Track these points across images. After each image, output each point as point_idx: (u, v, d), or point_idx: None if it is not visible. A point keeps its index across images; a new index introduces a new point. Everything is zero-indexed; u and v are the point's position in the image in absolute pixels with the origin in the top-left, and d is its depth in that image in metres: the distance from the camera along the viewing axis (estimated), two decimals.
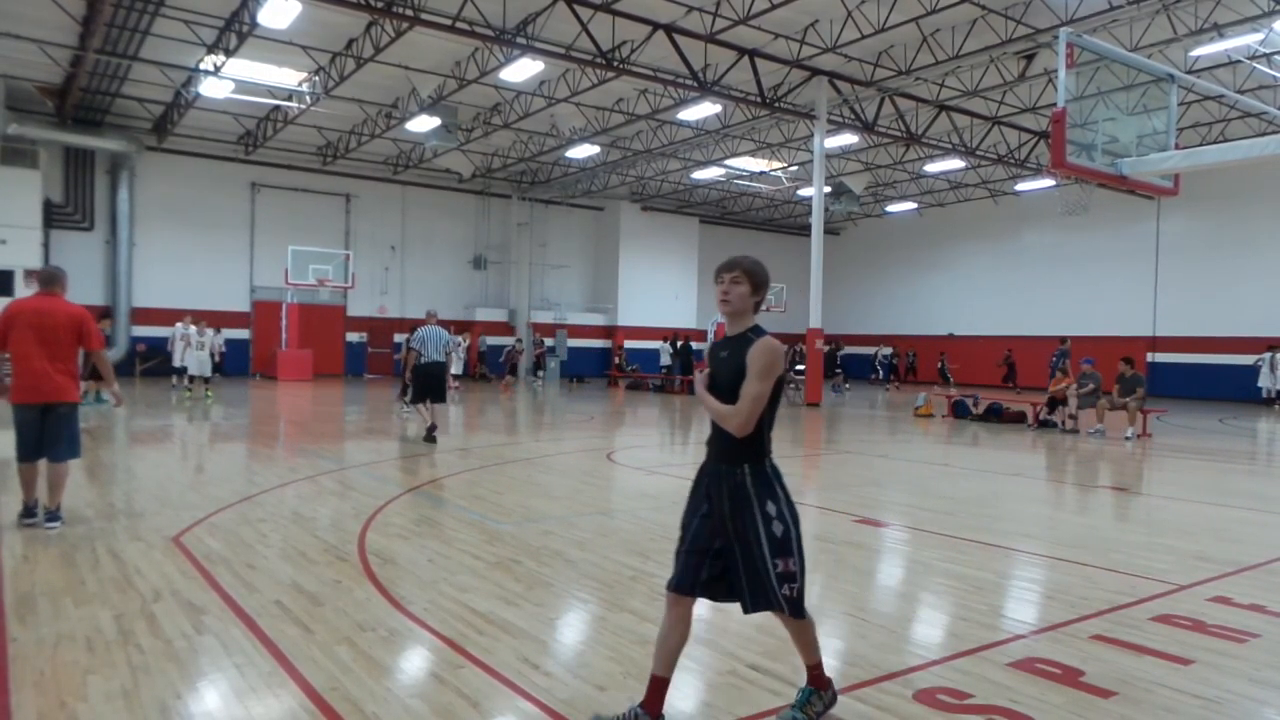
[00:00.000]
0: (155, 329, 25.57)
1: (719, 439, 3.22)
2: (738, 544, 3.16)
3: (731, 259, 3.28)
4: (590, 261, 36.33)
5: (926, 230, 36.35)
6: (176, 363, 20.20)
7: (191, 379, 19.01)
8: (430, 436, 12.01)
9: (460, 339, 26.21)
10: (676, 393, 25.94)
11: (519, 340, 31.16)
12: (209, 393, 18.43)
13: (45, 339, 6.15)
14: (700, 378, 3.29)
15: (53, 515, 6.32)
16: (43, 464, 6.37)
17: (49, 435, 6.29)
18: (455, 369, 27.27)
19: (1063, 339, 21.61)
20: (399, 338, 30.30)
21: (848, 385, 30.55)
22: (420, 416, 12.51)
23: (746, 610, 3.21)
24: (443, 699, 3.49)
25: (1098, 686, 3.73)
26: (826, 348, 29.17)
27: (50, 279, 6.45)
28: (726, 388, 3.14)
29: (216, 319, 22.06)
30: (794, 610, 3.18)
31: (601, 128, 24.38)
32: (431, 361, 12.25)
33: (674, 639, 3.27)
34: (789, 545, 3.16)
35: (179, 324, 20.14)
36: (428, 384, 12.31)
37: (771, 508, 3.16)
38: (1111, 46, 7.62)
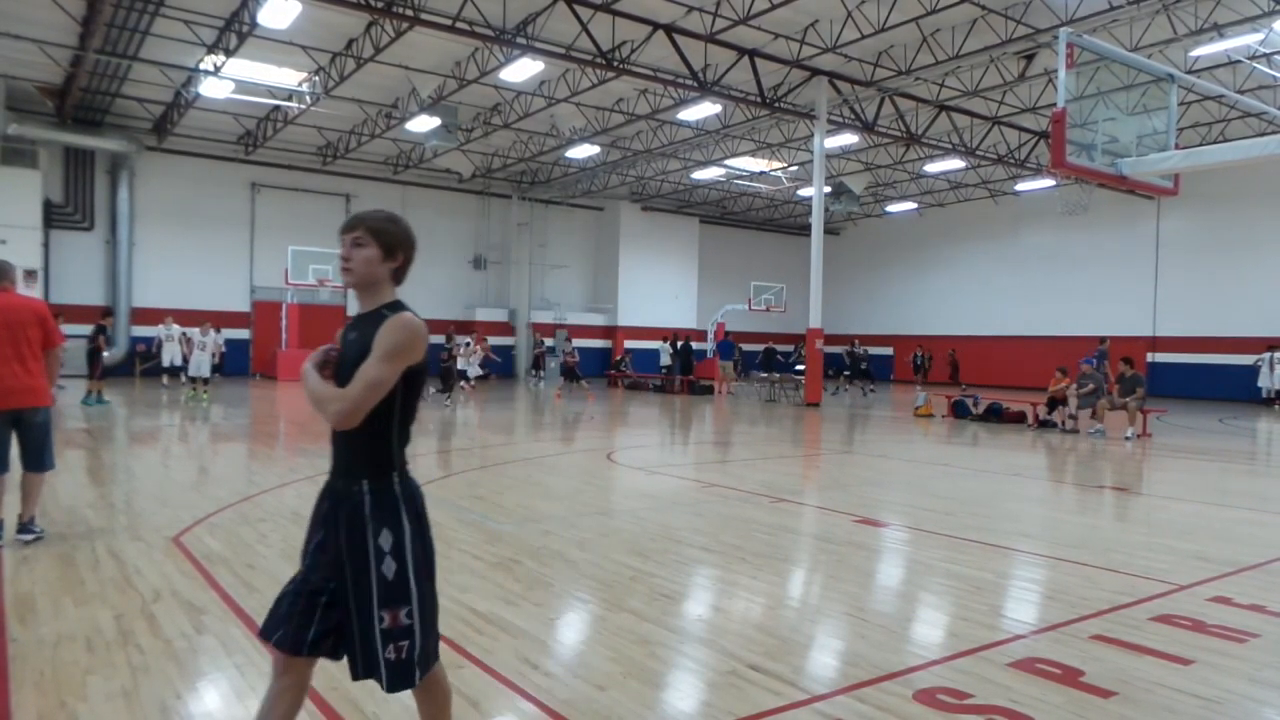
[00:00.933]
0: (155, 329, 25.57)
1: (338, 446, 2.52)
2: (351, 588, 2.44)
3: (355, 215, 2.61)
4: (590, 261, 36.33)
5: (926, 230, 36.35)
6: (165, 363, 20.47)
7: (192, 380, 19.05)
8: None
9: (468, 340, 25.87)
10: (676, 393, 25.95)
11: (568, 340, 29.59)
12: (205, 394, 18.54)
13: (15, 337, 5.55)
14: (314, 354, 2.57)
15: (26, 527, 5.80)
16: (13, 475, 5.82)
17: (30, 446, 5.77)
18: (473, 371, 26.72)
19: (1102, 339, 21.27)
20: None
21: (873, 387, 29.98)
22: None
23: (355, 676, 2.48)
24: None
25: (1098, 686, 3.72)
26: (850, 349, 29.12)
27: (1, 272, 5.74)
28: (349, 376, 2.43)
29: (216, 319, 22.09)
30: (396, 679, 2.42)
31: (601, 128, 24.38)
32: None
33: (279, 711, 2.49)
34: (403, 592, 2.43)
35: (161, 325, 20.62)
36: None
37: (386, 539, 2.44)
38: (1111, 46, 7.63)
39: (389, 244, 2.62)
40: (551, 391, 25.94)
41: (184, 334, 20.15)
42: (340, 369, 2.50)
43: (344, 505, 2.48)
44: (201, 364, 18.75)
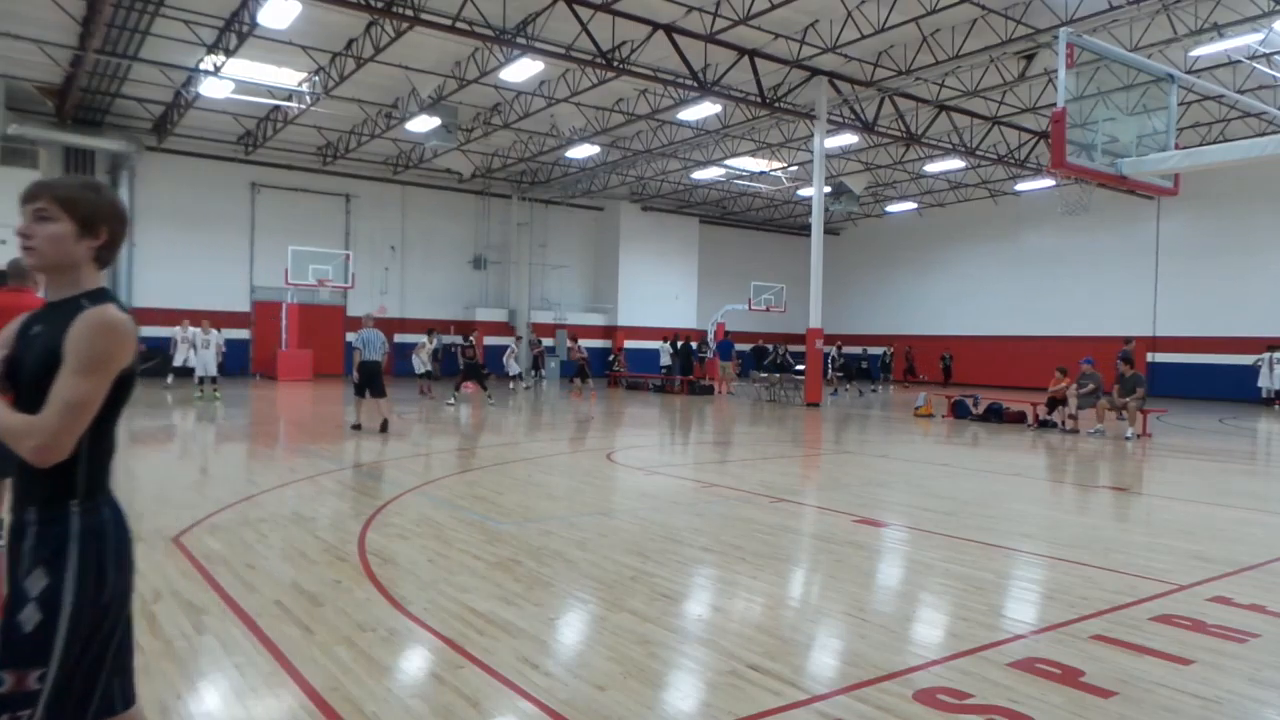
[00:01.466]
0: (155, 329, 25.53)
1: (17, 468, 2.02)
2: None
3: (37, 182, 2.08)
4: (590, 261, 36.33)
5: (926, 230, 36.35)
6: (178, 363, 20.57)
7: (200, 380, 19.16)
8: (383, 428, 13.26)
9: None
10: (676, 393, 25.95)
11: (574, 340, 28.36)
12: (216, 393, 18.72)
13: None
14: None
15: None
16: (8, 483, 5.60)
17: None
18: (514, 369, 26.44)
19: (1127, 339, 20.81)
20: (405, 339, 30.33)
21: (874, 387, 30.46)
22: (358, 409, 13.92)
23: None
24: (443, 699, 3.49)
25: (1098, 686, 3.72)
26: (838, 349, 29.34)
27: (22, 271, 5.45)
28: (32, 383, 1.97)
29: (216, 319, 22.08)
30: None
31: (601, 128, 24.38)
32: (370, 360, 13.68)
33: None
34: (42, 651, 1.91)
35: (178, 327, 20.74)
36: (366, 380, 13.74)
37: (38, 582, 1.94)
38: (1111, 46, 7.63)
39: (86, 216, 2.05)
40: (552, 392, 25.91)
41: (184, 336, 20.33)
42: (17, 372, 2.01)
43: (15, 542, 2.01)
44: (209, 363, 18.91)
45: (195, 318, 21.14)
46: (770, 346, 33.60)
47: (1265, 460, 13.76)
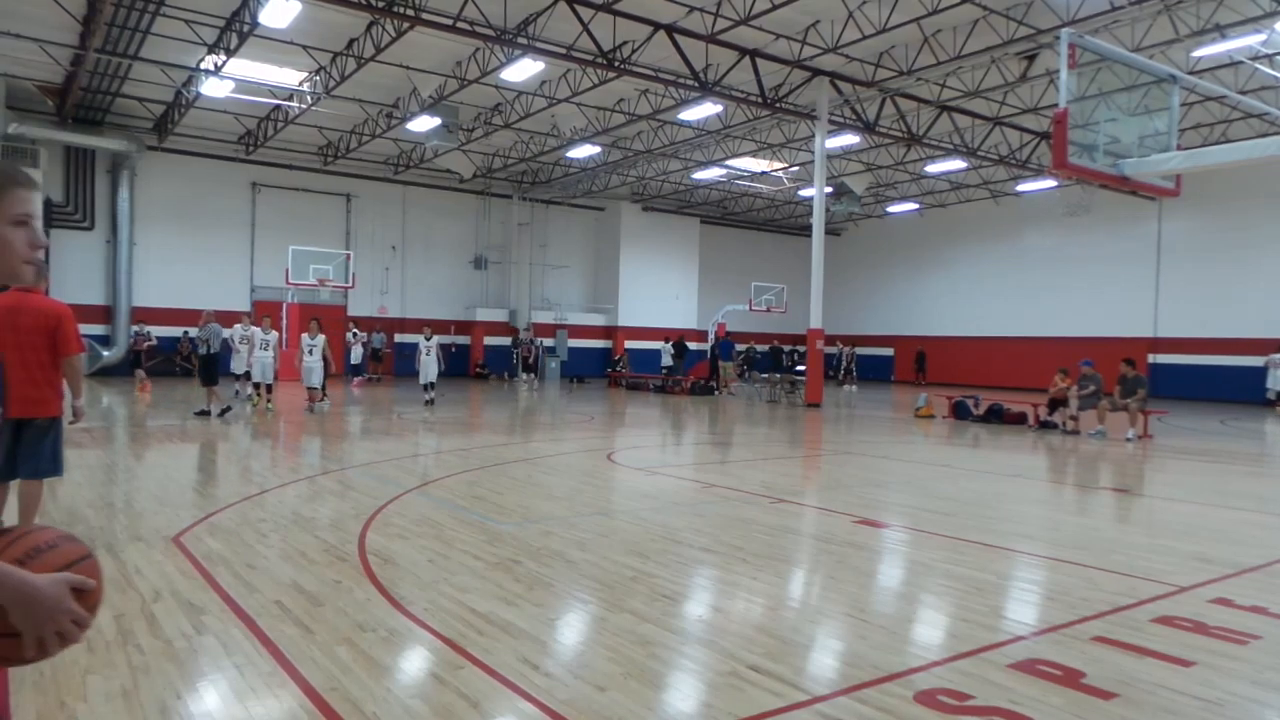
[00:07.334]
0: (155, 329, 25.51)
1: None
2: None
3: None
4: (590, 261, 36.33)
5: (928, 231, 36.33)
6: (239, 368, 17.77)
7: (256, 386, 16.58)
8: (225, 411, 14.89)
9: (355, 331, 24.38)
10: (676, 393, 25.94)
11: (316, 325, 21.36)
12: (270, 403, 16.32)
13: (20, 342, 5.36)
14: None
15: None
16: (13, 483, 5.53)
17: (23, 450, 5.43)
18: (432, 376, 22.69)
19: None
20: (406, 339, 30.33)
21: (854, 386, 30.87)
22: (207, 398, 15.05)
23: None
24: (443, 699, 3.48)
25: (1099, 688, 3.72)
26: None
27: None
28: None
29: (217, 319, 21.93)
30: None
31: (602, 128, 24.37)
32: (212, 354, 15.23)
33: None
34: None
35: (238, 325, 17.68)
36: (211, 371, 15.14)
37: None
38: (1113, 47, 7.61)
39: None
40: (552, 392, 25.84)
41: (244, 335, 17.26)
42: None
43: None
44: (267, 367, 16.31)
45: (179, 316, 19.85)
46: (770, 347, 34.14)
47: (1266, 461, 13.74)
